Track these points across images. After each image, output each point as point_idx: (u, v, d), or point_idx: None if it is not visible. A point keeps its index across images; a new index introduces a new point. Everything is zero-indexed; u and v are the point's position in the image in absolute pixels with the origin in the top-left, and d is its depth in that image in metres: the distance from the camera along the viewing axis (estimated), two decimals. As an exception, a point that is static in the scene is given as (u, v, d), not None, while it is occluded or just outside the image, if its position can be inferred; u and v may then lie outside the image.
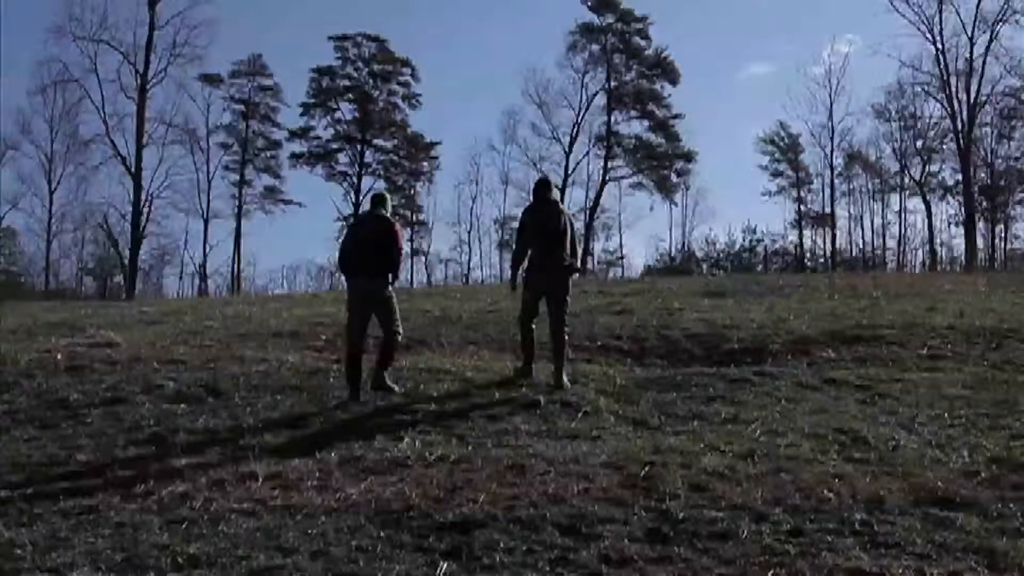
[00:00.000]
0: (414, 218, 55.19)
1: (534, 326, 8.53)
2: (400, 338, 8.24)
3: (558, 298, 8.34)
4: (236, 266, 49.85)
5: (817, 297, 16.27)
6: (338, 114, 53.00)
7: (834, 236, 51.18)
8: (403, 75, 53.54)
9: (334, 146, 53.11)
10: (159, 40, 43.49)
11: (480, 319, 12.77)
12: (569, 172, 50.66)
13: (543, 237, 8.22)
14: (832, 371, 8.85)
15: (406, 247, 24.47)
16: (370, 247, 7.91)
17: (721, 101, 73.89)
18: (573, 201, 51.67)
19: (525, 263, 8.42)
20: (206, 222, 49.14)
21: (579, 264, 8.52)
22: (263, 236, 58.17)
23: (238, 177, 50.93)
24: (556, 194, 8.65)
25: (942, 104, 44.84)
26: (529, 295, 8.42)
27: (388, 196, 8.65)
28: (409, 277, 53.02)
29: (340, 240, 9.08)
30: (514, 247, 8.69)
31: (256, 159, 52.19)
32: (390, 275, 8.00)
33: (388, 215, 8.22)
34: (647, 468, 5.38)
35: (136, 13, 55.34)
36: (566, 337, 8.38)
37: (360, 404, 7.45)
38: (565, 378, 8.04)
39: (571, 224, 8.41)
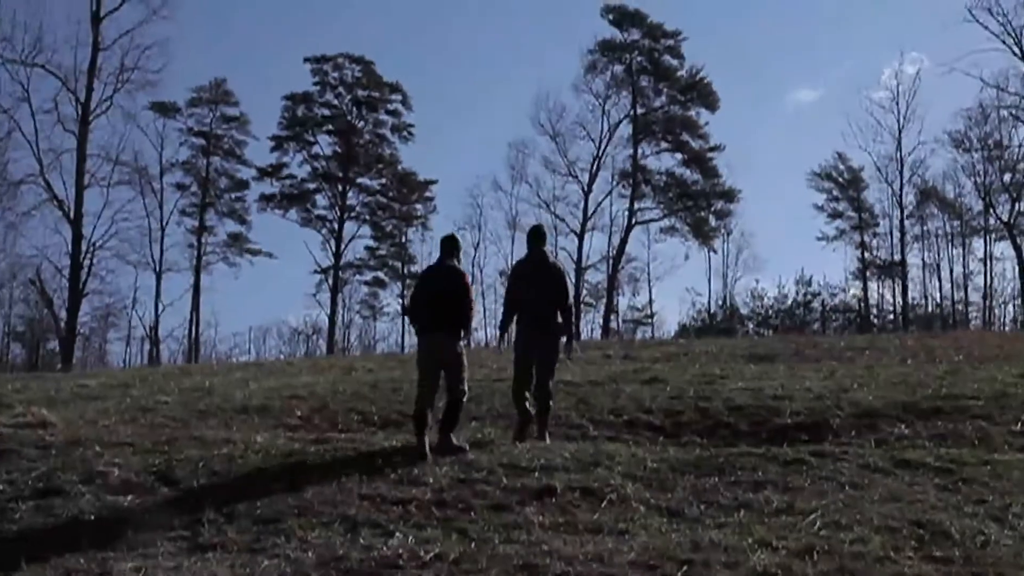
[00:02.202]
0: (405, 270, 55.59)
1: (528, 395, 9.24)
2: (466, 397, 9.03)
3: (544, 363, 9.08)
4: (194, 329, 50.27)
5: (886, 362, 16.27)
6: (315, 148, 54.05)
7: (905, 288, 51.25)
8: (392, 102, 54.56)
9: (311, 186, 53.93)
10: (104, 63, 43.60)
11: (484, 389, 12.78)
12: (588, 215, 51.18)
13: (532, 295, 8.77)
14: (906, 451, 8.84)
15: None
16: (441, 301, 8.72)
17: (764, 131, 74.88)
18: (593, 249, 52.22)
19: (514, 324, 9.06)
20: (159, 277, 49.68)
21: (573, 326, 9.12)
22: (227, 293, 59.24)
23: (197, 223, 51.70)
24: (549, 246, 9.29)
25: (1034, 130, 45.23)
26: (519, 361, 9.09)
27: (459, 241, 9.31)
28: (400, 339, 53.17)
29: (410, 292, 9.91)
30: (503, 306, 9.43)
31: (219, 202, 52.96)
32: (462, 331, 8.82)
33: (458, 265, 9.00)
34: (684, 568, 5.37)
35: (77, 32, 55.95)
36: (551, 404, 9.27)
37: (423, 462, 8.12)
38: (548, 438, 8.95)
39: (563, 279, 9.02)
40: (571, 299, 9.40)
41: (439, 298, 8.76)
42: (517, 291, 9.34)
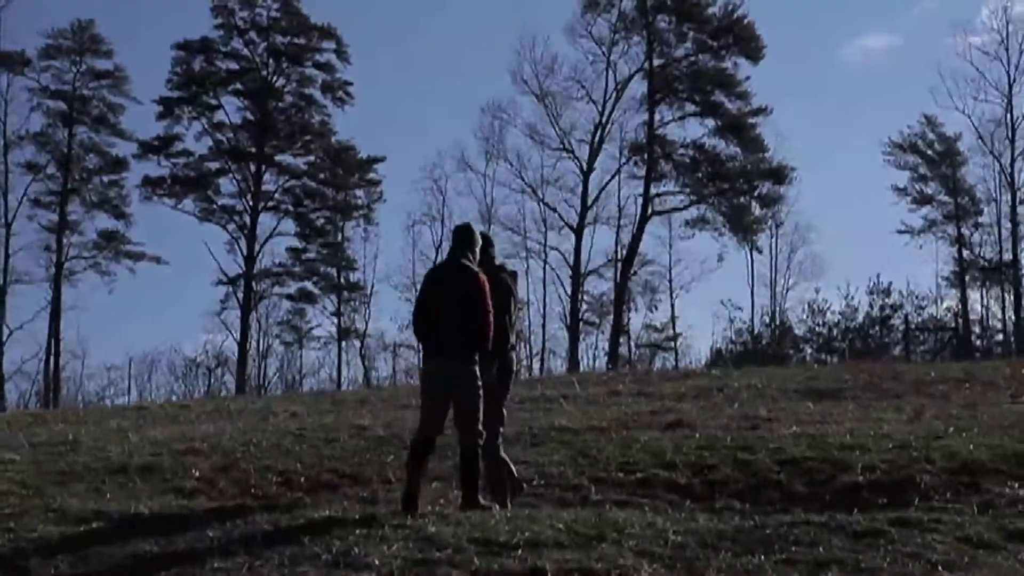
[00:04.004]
0: (341, 278, 55.54)
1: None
2: (482, 442, 9.38)
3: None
4: (53, 361, 49.99)
5: (992, 398, 16.33)
6: (219, 115, 53.99)
7: (1019, 298, 51.44)
8: (322, 52, 54.65)
9: (213, 166, 53.93)
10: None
11: (448, 439, 12.77)
12: (589, 203, 51.26)
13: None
14: (1019, 519, 8.89)
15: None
16: (449, 312, 9.05)
17: (824, 89, 75.31)
18: (595, 249, 52.10)
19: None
20: (2, 292, 49.34)
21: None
22: (98, 312, 58.69)
23: (56, 217, 51.41)
24: (475, 250, 9.45)
25: None
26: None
27: (475, 233, 9.57)
28: (335, 374, 53.05)
29: (415, 299, 10.12)
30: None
31: (86, 188, 52.84)
32: (478, 352, 9.18)
33: (474, 264, 9.25)
34: None
35: None
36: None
37: (413, 515, 8.57)
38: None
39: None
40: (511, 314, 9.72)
41: (448, 306, 9.08)
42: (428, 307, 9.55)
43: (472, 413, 9.25)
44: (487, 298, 9.13)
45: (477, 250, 9.47)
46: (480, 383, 9.26)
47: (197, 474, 11.64)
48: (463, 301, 9.09)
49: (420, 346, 9.60)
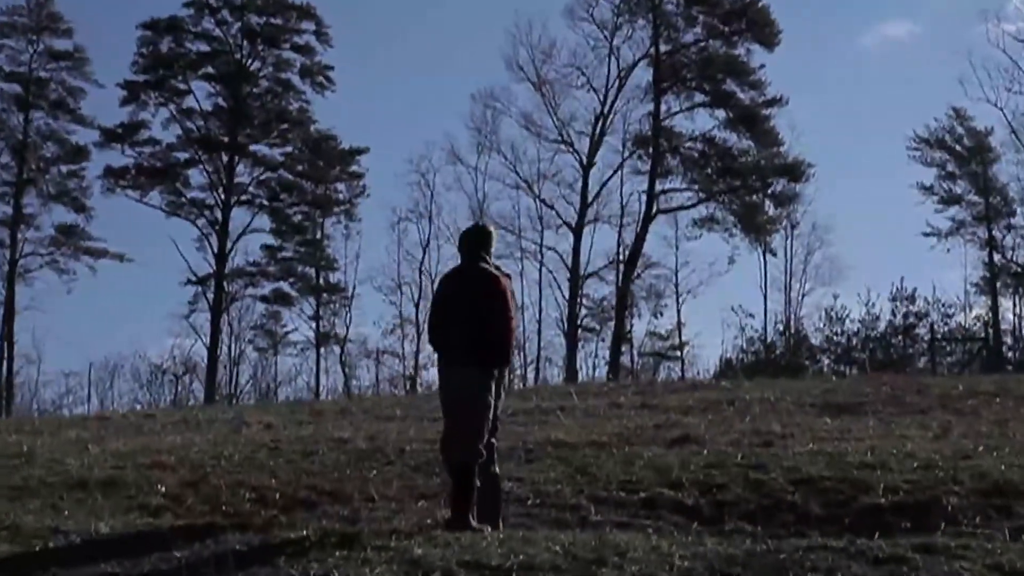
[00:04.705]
0: (320, 279, 55.52)
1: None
2: (483, 458, 9.45)
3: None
4: (6, 367, 49.95)
5: (1025, 413, 16.36)
6: (188, 101, 53.98)
7: (1054, 306, 51.48)
8: (301, 34, 54.65)
9: (182, 156, 53.91)
10: None
11: (435, 453, 12.78)
12: (589, 200, 51.33)
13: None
14: (1054, 543, 8.89)
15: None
16: (467, 319, 9.20)
17: (843, 79, 75.35)
18: (596, 250, 52.09)
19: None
20: (-49, 290, 49.31)
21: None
22: (56, 314, 58.61)
23: (10, 210, 51.45)
24: (491, 251, 9.72)
25: None
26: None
27: (492, 233, 9.85)
28: (313, 383, 52.99)
29: (430, 306, 10.40)
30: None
31: (43, 179, 52.78)
32: (496, 362, 9.34)
33: (490, 267, 9.40)
34: None
35: None
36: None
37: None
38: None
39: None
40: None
41: (465, 315, 9.23)
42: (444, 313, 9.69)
43: (476, 428, 9.34)
44: (508, 305, 9.30)
45: (492, 252, 9.65)
46: (491, 396, 9.39)
47: (163, 490, 11.62)
48: (483, 308, 9.25)
49: (437, 356, 9.69)
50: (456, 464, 9.45)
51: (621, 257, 51.76)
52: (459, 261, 9.85)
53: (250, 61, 54.03)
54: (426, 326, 9.91)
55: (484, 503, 9.64)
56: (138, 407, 41.75)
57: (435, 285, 10.04)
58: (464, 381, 9.33)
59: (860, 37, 78.77)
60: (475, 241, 9.61)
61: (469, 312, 9.27)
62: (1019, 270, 52.84)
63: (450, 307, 9.43)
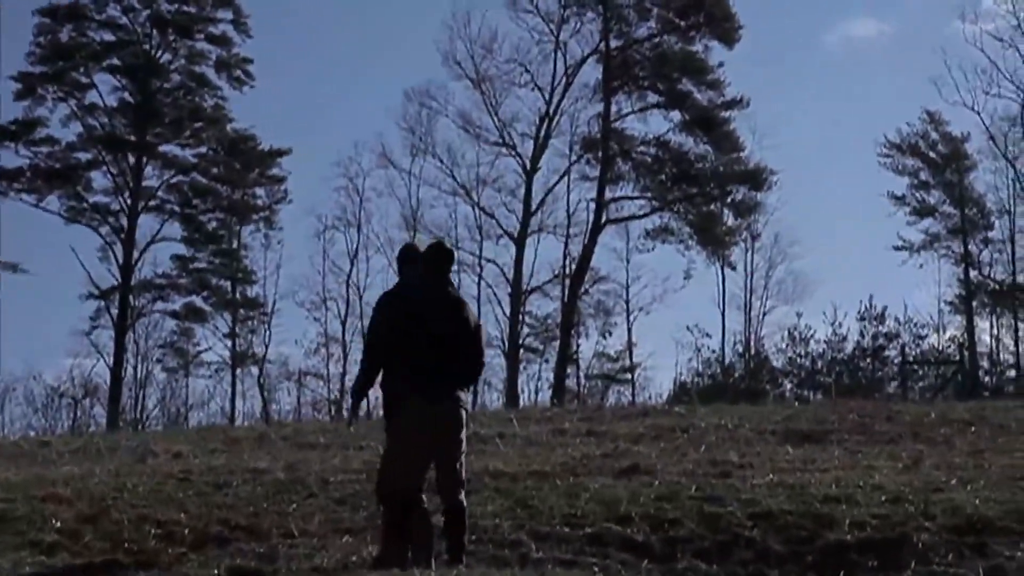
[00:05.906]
0: (237, 294, 55.31)
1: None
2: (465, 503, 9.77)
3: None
4: None
5: (1002, 444, 16.51)
6: (91, 96, 53.62)
7: (1032, 327, 51.94)
8: (217, 23, 54.49)
9: (83, 157, 53.53)
10: None
11: (362, 484, 12.74)
12: (532, 208, 51.43)
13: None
14: (1031, 582, 8.99)
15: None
16: (444, 344, 9.37)
17: (809, 79, 75.86)
18: (540, 262, 52.32)
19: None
20: None
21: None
22: (-61, 331, 57.66)
23: None
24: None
25: None
26: (406, 444, 9.61)
27: (454, 253, 10.06)
28: (228, 407, 52.75)
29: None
30: (363, 358, 9.96)
31: (-75, 180, 52.21)
32: (465, 391, 9.83)
33: (456, 290, 9.72)
34: None
35: None
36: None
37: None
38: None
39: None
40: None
41: (440, 339, 9.39)
42: (404, 336, 9.62)
43: (460, 465, 9.74)
44: (482, 336, 9.73)
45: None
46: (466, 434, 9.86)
47: (59, 525, 11.50)
48: (456, 337, 9.50)
49: (385, 383, 9.69)
50: (454, 506, 9.60)
51: (567, 271, 52.05)
52: (401, 276, 10.00)
53: (160, 53, 53.76)
54: (366, 346, 9.87)
55: (419, 540, 9.65)
56: (32, 433, 41.33)
57: (381, 302, 9.81)
58: (455, 422, 9.72)
59: (824, 35, 79.55)
60: (446, 260, 9.73)
61: (451, 343, 9.48)
62: (996, 288, 53.15)
63: (420, 334, 9.44)
